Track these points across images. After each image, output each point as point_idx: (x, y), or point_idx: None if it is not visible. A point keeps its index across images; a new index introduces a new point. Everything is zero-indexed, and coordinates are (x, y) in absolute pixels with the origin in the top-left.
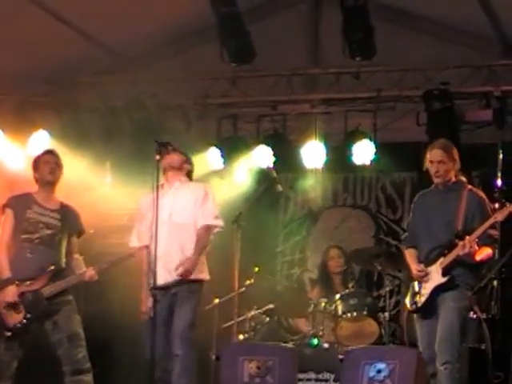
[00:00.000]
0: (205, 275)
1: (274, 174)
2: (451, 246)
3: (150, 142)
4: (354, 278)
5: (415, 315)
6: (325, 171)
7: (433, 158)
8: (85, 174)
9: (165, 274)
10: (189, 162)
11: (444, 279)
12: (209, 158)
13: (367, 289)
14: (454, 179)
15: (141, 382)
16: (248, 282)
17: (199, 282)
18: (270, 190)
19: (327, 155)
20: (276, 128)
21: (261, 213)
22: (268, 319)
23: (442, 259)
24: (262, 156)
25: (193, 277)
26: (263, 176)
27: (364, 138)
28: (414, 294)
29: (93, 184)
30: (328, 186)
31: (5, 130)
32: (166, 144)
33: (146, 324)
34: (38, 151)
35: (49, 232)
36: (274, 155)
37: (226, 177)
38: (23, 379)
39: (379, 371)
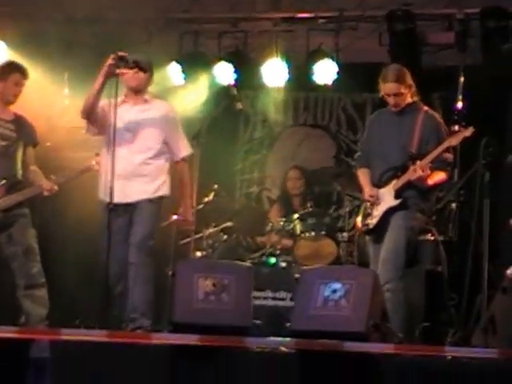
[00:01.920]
0: (164, 191)
1: (235, 92)
2: (404, 169)
3: (109, 54)
4: (312, 199)
5: (367, 238)
6: (286, 90)
7: (388, 91)
8: (41, 86)
9: (130, 194)
10: (151, 73)
11: (396, 202)
12: (170, 74)
13: (326, 209)
14: (409, 100)
15: (97, 297)
16: (206, 198)
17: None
18: (230, 107)
19: (289, 74)
20: (237, 45)
21: (220, 130)
22: (226, 237)
23: (395, 181)
24: (222, 73)
25: (153, 195)
26: (223, 93)
27: (326, 57)
28: (366, 216)
29: (49, 96)
30: (289, 104)
31: None
32: (126, 57)
33: (104, 239)
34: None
35: (3, 143)
36: (234, 72)
37: (187, 93)
38: None
39: (334, 291)
